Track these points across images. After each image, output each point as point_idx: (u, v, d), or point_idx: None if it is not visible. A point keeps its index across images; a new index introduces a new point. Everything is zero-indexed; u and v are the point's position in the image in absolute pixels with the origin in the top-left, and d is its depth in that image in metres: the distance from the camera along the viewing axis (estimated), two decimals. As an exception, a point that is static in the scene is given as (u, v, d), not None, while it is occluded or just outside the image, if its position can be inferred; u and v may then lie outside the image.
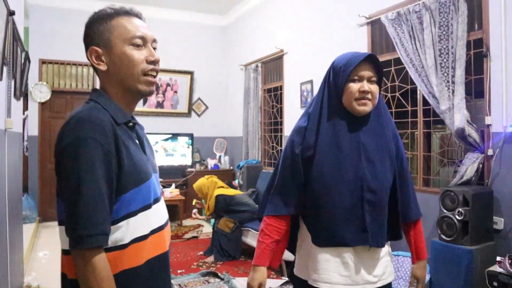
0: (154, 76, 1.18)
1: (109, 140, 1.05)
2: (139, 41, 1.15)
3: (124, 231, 1.08)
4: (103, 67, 1.14)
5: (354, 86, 1.55)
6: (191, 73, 7.47)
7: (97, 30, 1.14)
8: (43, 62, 6.60)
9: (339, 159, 1.55)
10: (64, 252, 1.11)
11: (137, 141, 1.19)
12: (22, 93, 3.97)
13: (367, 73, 1.56)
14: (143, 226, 1.12)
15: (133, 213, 1.10)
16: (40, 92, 6.51)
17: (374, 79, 1.58)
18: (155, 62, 1.17)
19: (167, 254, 1.22)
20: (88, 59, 1.16)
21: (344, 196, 1.54)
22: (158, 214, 1.19)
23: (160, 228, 1.19)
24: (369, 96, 1.56)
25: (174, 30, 7.35)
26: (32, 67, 5.67)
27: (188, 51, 7.47)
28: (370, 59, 1.57)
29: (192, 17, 7.55)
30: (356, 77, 1.56)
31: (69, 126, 1.04)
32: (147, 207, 1.14)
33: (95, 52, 1.14)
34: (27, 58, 4.22)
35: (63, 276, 1.14)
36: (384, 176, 1.58)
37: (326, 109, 1.62)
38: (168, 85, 7.36)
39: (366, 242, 1.54)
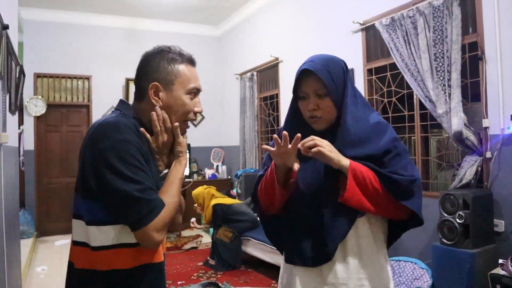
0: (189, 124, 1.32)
1: (141, 142, 1.17)
2: (195, 92, 1.28)
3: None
4: (157, 103, 1.24)
5: (302, 105, 1.43)
6: (186, 83, 7.47)
7: (164, 68, 1.25)
8: (38, 76, 6.58)
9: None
10: (74, 243, 1.20)
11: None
12: (17, 107, 3.95)
13: (311, 87, 1.39)
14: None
15: None
16: (35, 106, 6.48)
17: (321, 92, 1.38)
18: (198, 113, 1.31)
19: (163, 264, 1.29)
20: (139, 86, 1.27)
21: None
22: None
23: None
24: (318, 113, 1.39)
25: (169, 41, 7.18)
26: (27, 81, 5.65)
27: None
28: (312, 71, 1.38)
29: (187, 28, 7.57)
30: (302, 94, 1.43)
31: (105, 130, 1.13)
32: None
33: (155, 88, 1.24)
34: (21, 72, 4.21)
35: (70, 265, 1.21)
36: None
37: (292, 124, 1.50)
38: (163, 96, 7.36)
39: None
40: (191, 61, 1.31)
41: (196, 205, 5.29)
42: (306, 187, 1.42)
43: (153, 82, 1.23)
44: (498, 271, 2.71)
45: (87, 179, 1.13)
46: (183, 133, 1.30)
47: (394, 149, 1.39)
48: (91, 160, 1.12)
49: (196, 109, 1.29)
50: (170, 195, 1.18)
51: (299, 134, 1.30)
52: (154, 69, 1.25)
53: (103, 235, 1.14)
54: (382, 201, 1.35)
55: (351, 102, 1.41)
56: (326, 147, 1.31)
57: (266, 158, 1.60)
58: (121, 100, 1.31)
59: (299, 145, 1.32)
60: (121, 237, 1.15)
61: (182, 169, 1.26)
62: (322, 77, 1.36)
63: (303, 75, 1.40)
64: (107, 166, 1.09)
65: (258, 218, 1.72)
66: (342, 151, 1.35)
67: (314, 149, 1.30)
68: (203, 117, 7.74)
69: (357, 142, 1.38)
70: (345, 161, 1.33)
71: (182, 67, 1.27)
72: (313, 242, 1.39)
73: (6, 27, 2.75)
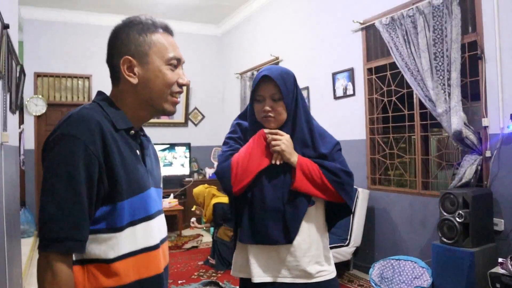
0: (178, 97, 1.16)
1: (96, 141, 0.98)
2: (175, 62, 1.13)
3: (121, 242, 1.02)
4: (133, 80, 1.09)
5: (257, 106, 1.66)
6: (186, 82, 7.47)
7: (135, 40, 1.09)
8: (38, 75, 6.59)
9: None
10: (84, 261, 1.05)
11: (138, 152, 1.12)
12: (18, 107, 3.95)
13: (267, 91, 1.62)
14: (130, 242, 1.04)
15: (125, 226, 1.03)
16: (35, 106, 6.49)
17: (276, 97, 1.62)
18: (183, 85, 1.16)
19: (160, 277, 1.11)
20: (112, 66, 1.12)
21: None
22: (149, 233, 1.09)
23: (151, 249, 1.09)
24: (271, 114, 1.63)
25: (169, 40, 7.34)
26: (27, 81, 5.66)
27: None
28: (270, 78, 1.60)
29: (187, 27, 7.57)
30: (258, 97, 1.65)
31: (59, 123, 1.00)
32: (136, 222, 1.05)
33: (128, 62, 1.09)
34: (22, 71, 4.21)
35: None
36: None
37: (252, 123, 1.72)
38: (164, 95, 7.36)
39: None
40: (166, 29, 1.15)
41: (194, 207, 5.31)
42: (268, 176, 1.64)
43: (124, 56, 1.09)
44: (498, 270, 2.72)
45: None
46: (175, 106, 1.15)
47: (336, 151, 1.71)
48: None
49: (180, 80, 1.14)
50: None
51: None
52: (124, 42, 1.09)
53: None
54: (325, 188, 1.63)
55: (302, 108, 1.68)
56: (285, 143, 1.61)
57: (229, 139, 1.77)
58: (99, 92, 1.17)
59: (269, 136, 1.63)
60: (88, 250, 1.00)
61: None
62: (279, 83, 1.60)
63: (262, 81, 1.62)
64: (43, 160, 1.02)
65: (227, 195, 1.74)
66: (295, 149, 1.65)
67: (277, 148, 1.60)
68: (203, 116, 7.75)
69: (308, 143, 1.68)
70: (294, 157, 1.63)
71: (156, 36, 1.11)
72: (275, 224, 1.61)
73: (6, 26, 2.76)
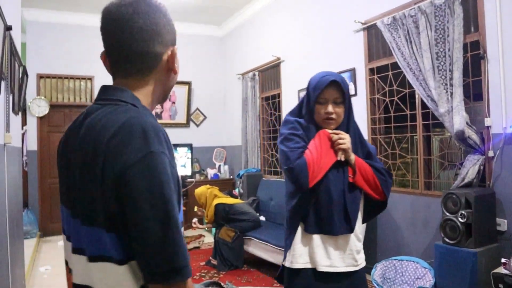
0: None
1: (171, 153, 0.88)
2: None
3: None
4: (176, 69, 1.01)
5: (320, 108, 1.79)
6: (188, 83, 7.48)
7: (171, 28, 1.01)
8: (41, 76, 6.61)
9: None
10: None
11: None
12: (21, 108, 3.97)
13: (331, 95, 1.77)
14: None
15: None
16: (38, 107, 6.51)
17: (339, 100, 1.78)
18: None
19: None
20: (146, 53, 0.95)
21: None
22: None
23: None
24: (333, 116, 1.78)
25: (171, 41, 7.36)
26: (30, 82, 5.68)
27: (185, 61, 7.48)
28: (337, 82, 1.76)
29: (189, 28, 7.58)
30: (322, 100, 1.78)
31: (132, 136, 0.82)
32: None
33: (174, 54, 1.00)
34: (24, 72, 4.22)
35: None
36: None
37: (309, 121, 1.83)
38: (166, 96, 7.36)
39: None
40: None
41: (196, 207, 5.31)
42: (330, 172, 1.78)
43: (173, 45, 1.00)
44: (501, 270, 2.71)
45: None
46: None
47: (375, 155, 1.92)
48: (112, 177, 0.82)
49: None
50: None
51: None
52: (169, 30, 0.99)
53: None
54: (375, 185, 1.82)
55: (352, 112, 1.87)
56: (347, 143, 1.76)
57: (293, 135, 1.81)
58: (113, 88, 0.97)
59: (334, 136, 1.77)
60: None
61: None
62: (344, 89, 1.78)
63: (328, 84, 1.76)
64: (134, 186, 0.80)
65: (297, 189, 1.79)
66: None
67: (343, 146, 1.75)
68: (205, 117, 7.75)
69: (357, 144, 1.85)
70: (353, 156, 1.80)
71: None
72: (338, 215, 1.76)
73: (9, 28, 2.77)
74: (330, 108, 1.77)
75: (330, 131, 1.79)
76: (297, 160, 1.73)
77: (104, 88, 0.98)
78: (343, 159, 1.76)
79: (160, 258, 0.80)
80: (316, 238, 1.79)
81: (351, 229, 1.78)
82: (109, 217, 0.83)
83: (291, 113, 1.91)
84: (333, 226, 1.76)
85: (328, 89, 1.77)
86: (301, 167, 1.71)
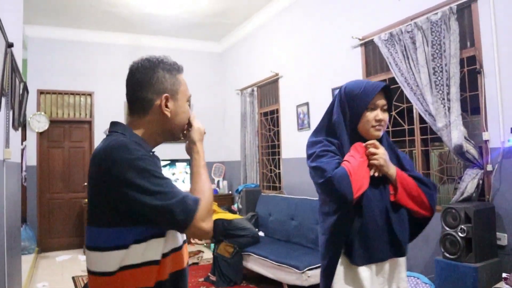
0: None
1: (151, 156, 1.23)
2: (190, 99, 1.34)
3: (157, 246, 1.18)
4: (168, 113, 1.27)
5: (370, 115, 1.69)
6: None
7: (169, 79, 1.28)
8: (41, 92, 6.64)
9: None
10: (91, 273, 1.18)
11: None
12: (21, 124, 3.98)
13: (381, 102, 1.70)
14: (170, 243, 1.23)
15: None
16: (38, 122, 6.52)
17: (385, 107, 1.71)
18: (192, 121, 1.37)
19: (185, 271, 1.31)
20: (140, 99, 1.26)
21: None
22: (175, 236, 1.27)
23: (178, 249, 1.27)
24: (383, 123, 1.70)
25: (172, 57, 7.41)
26: (30, 98, 5.70)
27: (184, 77, 7.53)
28: (387, 89, 1.71)
29: (188, 44, 7.65)
30: (371, 106, 1.69)
31: (114, 155, 1.12)
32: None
33: (166, 99, 1.26)
34: (25, 88, 4.25)
35: None
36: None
37: (344, 133, 1.73)
38: (165, 111, 7.39)
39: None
40: (183, 70, 1.36)
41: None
42: (369, 188, 1.64)
43: (163, 93, 1.26)
44: (502, 285, 2.69)
45: (98, 207, 1.15)
46: (177, 138, 1.37)
47: (408, 159, 1.81)
48: (107, 189, 1.11)
49: (190, 115, 1.36)
50: (201, 184, 1.23)
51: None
52: (161, 79, 1.27)
53: (124, 256, 1.14)
54: (421, 200, 1.68)
55: None
56: (382, 157, 1.65)
57: (325, 151, 1.70)
58: (112, 122, 1.29)
59: (369, 148, 1.67)
60: (126, 260, 1.15)
61: (199, 158, 1.33)
62: (392, 96, 1.75)
63: (379, 90, 1.69)
64: (133, 188, 1.09)
65: (341, 204, 1.65)
66: (390, 159, 1.70)
67: (375, 162, 1.64)
68: (204, 133, 7.76)
69: (394, 154, 1.77)
70: (393, 170, 1.68)
71: (181, 77, 1.33)
72: (386, 237, 1.64)
73: (11, 45, 2.80)
74: (381, 114, 1.69)
75: (367, 142, 1.69)
76: (335, 170, 1.59)
77: (111, 123, 1.30)
78: (376, 175, 1.65)
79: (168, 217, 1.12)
80: (363, 270, 1.65)
81: (402, 253, 1.67)
82: (91, 214, 1.17)
83: (316, 133, 1.82)
84: (382, 252, 1.62)
85: (378, 96, 1.69)
86: (342, 176, 1.56)
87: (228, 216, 5.02)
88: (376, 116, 1.68)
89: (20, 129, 4.01)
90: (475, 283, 2.85)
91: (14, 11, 3.44)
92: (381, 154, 1.65)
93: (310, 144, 1.77)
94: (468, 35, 3.36)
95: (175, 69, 1.31)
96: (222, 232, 4.80)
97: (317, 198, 4.87)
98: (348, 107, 1.72)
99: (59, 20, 6.41)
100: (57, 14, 6.17)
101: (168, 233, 1.22)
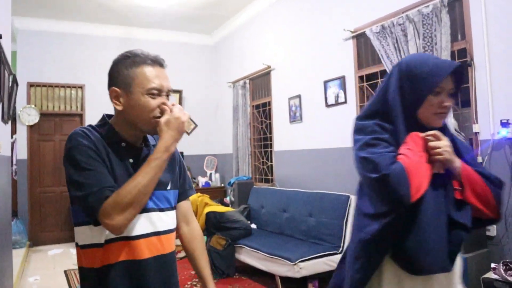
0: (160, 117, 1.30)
1: (95, 145, 1.25)
2: (155, 92, 1.28)
3: (101, 232, 1.25)
4: (119, 107, 1.30)
5: (435, 100, 1.40)
6: (179, 92, 7.48)
7: (122, 73, 1.29)
8: (31, 85, 6.57)
9: None
10: (78, 245, 1.31)
11: (131, 160, 1.33)
12: (10, 117, 3.94)
13: (448, 85, 1.41)
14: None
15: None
16: (28, 115, 6.47)
17: (452, 92, 1.43)
18: (165, 111, 1.30)
19: (141, 263, 1.30)
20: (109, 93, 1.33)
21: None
22: (131, 226, 1.27)
23: (130, 238, 1.28)
24: (447, 110, 1.44)
25: (162, 50, 7.32)
26: (20, 90, 5.65)
27: (176, 70, 7.49)
28: (459, 70, 1.41)
29: (180, 37, 7.61)
30: (438, 89, 1.40)
31: (65, 142, 1.27)
32: None
33: (114, 93, 1.31)
34: (14, 81, 4.21)
35: (80, 269, 1.33)
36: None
37: (400, 118, 1.43)
38: (157, 104, 7.36)
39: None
40: (152, 62, 1.31)
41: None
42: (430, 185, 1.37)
43: (112, 87, 1.31)
44: (491, 275, 2.73)
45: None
46: (155, 131, 1.31)
47: (471, 151, 1.53)
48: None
49: (163, 106, 1.30)
50: (139, 175, 1.22)
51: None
52: (114, 75, 1.31)
53: (80, 235, 1.30)
54: (487, 200, 1.40)
55: None
56: (447, 150, 1.37)
57: (378, 140, 1.43)
58: (102, 116, 1.39)
59: (430, 141, 1.38)
60: (91, 237, 1.27)
61: (157, 148, 1.25)
62: (463, 78, 1.45)
63: (448, 71, 1.38)
64: (66, 174, 1.24)
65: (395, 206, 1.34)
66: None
67: (440, 157, 1.36)
68: (196, 125, 7.75)
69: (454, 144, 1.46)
70: (457, 163, 1.40)
71: (140, 70, 1.29)
72: (443, 245, 1.37)
73: (-2, 36, 2.76)
74: (447, 99, 1.41)
75: (427, 133, 1.39)
76: (392, 166, 1.32)
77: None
78: (441, 171, 1.39)
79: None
80: (408, 278, 1.39)
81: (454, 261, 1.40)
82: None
83: (365, 115, 1.50)
84: (440, 261, 1.35)
85: (447, 77, 1.39)
86: (399, 174, 1.30)
87: (220, 208, 5.02)
88: (442, 102, 1.40)
89: (10, 122, 3.97)
90: (464, 273, 2.86)
91: (2, 3, 3.39)
92: (445, 146, 1.37)
93: (358, 129, 1.48)
94: (459, 28, 3.37)
95: (135, 62, 1.30)
96: (214, 224, 4.81)
97: (309, 190, 4.86)
98: (409, 88, 1.41)
99: (49, 12, 6.33)
100: (47, 6, 6.09)
101: None
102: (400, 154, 1.36)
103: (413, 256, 1.35)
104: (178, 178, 1.50)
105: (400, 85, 1.43)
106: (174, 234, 1.45)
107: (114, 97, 1.31)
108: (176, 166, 1.50)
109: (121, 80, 1.29)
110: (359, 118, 1.51)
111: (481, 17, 3.15)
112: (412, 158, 1.33)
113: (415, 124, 1.43)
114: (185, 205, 1.56)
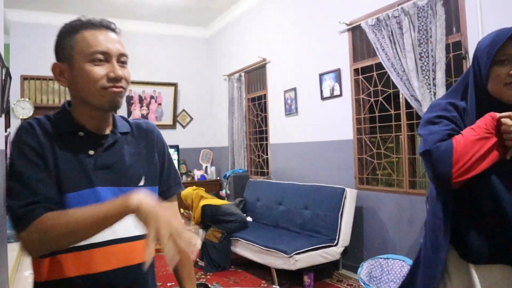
0: (117, 87, 1.10)
1: (40, 142, 1.06)
2: (100, 57, 1.08)
3: None
4: (64, 83, 1.13)
5: (502, 70, 1.30)
6: (174, 85, 7.45)
7: (62, 44, 1.12)
8: (25, 78, 6.53)
9: None
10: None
11: (92, 152, 1.12)
12: (4, 110, 3.91)
13: None
14: None
15: None
16: (22, 109, 6.42)
17: None
18: (116, 79, 1.09)
19: (103, 276, 1.10)
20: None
21: None
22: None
23: (84, 247, 1.07)
24: None
25: (157, 42, 7.34)
26: (13, 84, 5.60)
27: (171, 63, 7.47)
28: None
29: (175, 29, 7.56)
30: (502, 57, 1.30)
31: None
32: None
33: (58, 68, 1.14)
34: (8, 74, 4.17)
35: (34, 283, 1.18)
36: None
37: (472, 95, 1.36)
38: (152, 97, 7.33)
39: None
40: (94, 25, 1.11)
41: (182, 210, 5.29)
42: (498, 173, 1.28)
43: (54, 63, 1.14)
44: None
45: None
46: (114, 100, 1.10)
47: None
48: None
49: (110, 74, 1.08)
50: (83, 212, 0.97)
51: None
52: (57, 49, 1.14)
53: None
54: None
55: None
56: None
57: (439, 118, 1.37)
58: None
59: (506, 123, 1.23)
60: None
61: (124, 200, 0.95)
62: None
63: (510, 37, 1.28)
64: None
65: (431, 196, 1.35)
66: None
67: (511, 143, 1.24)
68: (191, 118, 7.73)
69: None
70: None
71: (79, 36, 1.09)
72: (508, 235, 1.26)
73: (-9, 29, 2.73)
74: None
75: (502, 114, 1.25)
76: (440, 143, 1.28)
77: None
78: (508, 157, 1.27)
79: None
80: (479, 269, 1.31)
81: None
82: None
83: (446, 95, 1.45)
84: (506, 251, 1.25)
85: (510, 43, 1.28)
86: (444, 151, 1.25)
87: (216, 201, 5.03)
88: (510, 70, 1.28)
89: (3, 115, 3.94)
90: None
91: (-5, -5, 3.35)
92: None
93: (430, 107, 1.43)
94: (454, 21, 3.37)
95: (75, 27, 1.11)
96: (210, 217, 4.82)
97: (304, 183, 4.88)
98: (477, 62, 1.36)
99: (42, 4, 6.27)
100: (40, -2, 6.04)
101: None
102: (460, 134, 1.29)
103: (483, 244, 1.29)
104: (159, 172, 1.26)
105: (473, 62, 1.38)
106: None
107: (58, 73, 1.13)
108: (155, 156, 1.26)
109: (62, 53, 1.12)
110: (441, 98, 1.46)
111: (476, 10, 3.15)
112: (468, 136, 1.26)
113: (488, 100, 1.33)
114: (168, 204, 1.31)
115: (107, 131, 1.17)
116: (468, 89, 1.37)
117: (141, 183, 1.18)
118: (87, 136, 1.13)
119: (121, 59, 1.12)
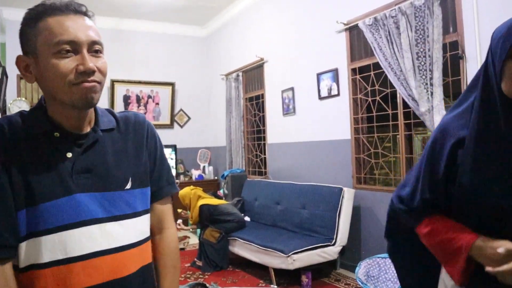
0: (89, 82, 0.95)
1: (5, 148, 0.94)
2: (67, 47, 0.93)
3: (22, 253, 0.95)
4: (30, 79, 0.99)
5: None
6: (172, 84, 7.44)
7: (26, 34, 0.97)
8: (21, 77, 6.50)
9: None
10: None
11: (69, 154, 0.99)
12: (0, 109, 3.91)
13: None
14: (43, 252, 0.95)
15: (34, 234, 0.94)
16: (19, 108, 6.39)
17: None
18: (87, 73, 0.94)
19: None
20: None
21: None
22: (62, 245, 0.96)
23: (63, 262, 0.96)
24: None
25: (155, 42, 7.33)
26: (10, 83, 5.58)
27: (168, 62, 7.46)
28: None
29: (172, 28, 7.55)
30: None
31: None
32: (49, 231, 0.95)
33: (23, 62, 0.99)
34: (4, 73, 4.16)
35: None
36: None
37: (480, 97, 1.13)
38: (149, 97, 7.32)
39: None
40: (58, 9, 0.94)
41: (180, 209, 5.29)
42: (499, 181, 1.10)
43: (18, 56, 0.99)
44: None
45: None
46: (87, 96, 0.95)
47: None
48: None
49: (80, 67, 0.93)
50: None
51: None
52: (22, 40, 1.00)
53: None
54: None
55: None
56: None
57: (417, 178, 1.31)
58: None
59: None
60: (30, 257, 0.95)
61: None
62: None
63: None
64: None
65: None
66: None
67: (501, 278, 1.05)
68: (189, 118, 7.73)
69: None
70: None
71: (42, 23, 0.94)
72: None
73: (-13, 28, 2.72)
74: None
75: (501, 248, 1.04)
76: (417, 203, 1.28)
77: None
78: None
79: None
80: None
81: None
82: None
83: (466, 90, 1.22)
84: None
85: None
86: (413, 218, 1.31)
87: (214, 201, 5.03)
88: None
89: (0, 115, 3.93)
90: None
91: (-9, -6, 3.34)
92: None
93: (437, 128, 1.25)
94: (451, 21, 3.38)
95: (35, 16, 0.96)
96: (208, 217, 4.81)
97: (302, 183, 4.88)
98: (492, 59, 1.11)
99: (38, 2, 6.24)
100: (37, -3, 6.01)
101: (32, 240, 0.95)
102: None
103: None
104: (150, 172, 1.14)
105: (486, 58, 1.15)
106: (141, 247, 1.09)
107: (23, 68, 0.99)
108: (145, 155, 1.13)
109: (26, 44, 0.97)
110: (451, 108, 1.28)
111: (473, 10, 3.16)
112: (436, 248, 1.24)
113: (500, 102, 1.08)
114: (160, 207, 1.19)
115: (88, 129, 1.04)
116: (476, 91, 1.15)
117: (128, 186, 1.06)
118: (63, 137, 0.99)
119: (94, 47, 0.97)
